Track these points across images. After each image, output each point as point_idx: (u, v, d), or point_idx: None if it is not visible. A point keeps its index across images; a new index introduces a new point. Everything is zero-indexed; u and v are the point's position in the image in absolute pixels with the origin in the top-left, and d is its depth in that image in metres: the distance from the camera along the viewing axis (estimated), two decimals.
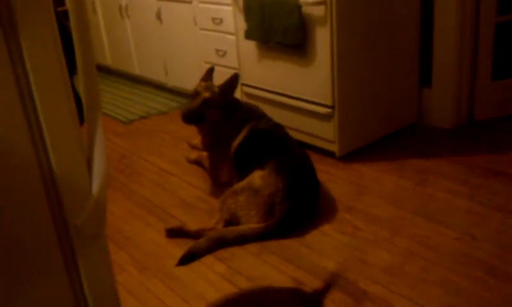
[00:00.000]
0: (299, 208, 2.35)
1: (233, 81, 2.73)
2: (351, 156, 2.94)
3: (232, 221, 2.37)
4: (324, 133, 2.92)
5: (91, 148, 0.82)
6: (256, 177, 2.40)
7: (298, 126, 3.05)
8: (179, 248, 2.26)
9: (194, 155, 3.09)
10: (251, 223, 2.32)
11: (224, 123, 2.69)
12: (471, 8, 2.98)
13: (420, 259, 2.07)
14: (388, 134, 3.14)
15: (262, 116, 2.76)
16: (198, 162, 3.04)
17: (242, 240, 2.27)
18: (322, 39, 2.71)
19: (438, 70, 3.12)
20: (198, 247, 2.23)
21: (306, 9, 2.72)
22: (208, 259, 2.20)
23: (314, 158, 2.72)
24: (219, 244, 2.26)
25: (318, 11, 2.68)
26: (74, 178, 0.79)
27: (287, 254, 2.18)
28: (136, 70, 4.60)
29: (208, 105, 2.65)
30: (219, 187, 2.74)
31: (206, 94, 2.65)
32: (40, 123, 0.75)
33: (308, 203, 2.42)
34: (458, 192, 2.49)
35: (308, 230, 2.33)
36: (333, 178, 2.74)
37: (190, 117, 2.64)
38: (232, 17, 3.25)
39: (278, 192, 2.32)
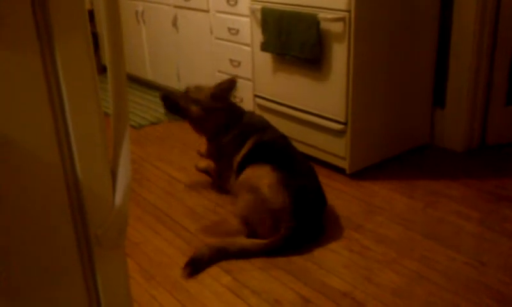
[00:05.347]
0: (305, 226, 2.33)
1: (228, 85, 2.72)
2: (362, 173, 2.92)
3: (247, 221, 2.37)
4: (335, 150, 2.91)
5: (116, 158, 0.81)
6: (265, 184, 2.36)
7: (309, 141, 3.04)
8: (186, 258, 2.25)
9: (203, 163, 3.08)
10: (259, 229, 2.31)
11: (224, 133, 2.70)
12: (488, 33, 2.98)
13: (428, 282, 2.05)
14: (400, 153, 3.13)
15: (267, 127, 2.72)
16: (206, 171, 3.03)
17: (245, 254, 2.26)
18: (339, 56, 2.71)
19: (452, 92, 3.11)
20: (200, 254, 2.22)
21: (324, 25, 2.72)
22: (214, 270, 2.19)
23: (324, 174, 2.71)
24: (222, 255, 2.24)
25: (336, 27, 2.68)
26: (98, 187, 0.79)
27: (294, 270, 2.17)
28: (149, 75, 4.61)
29: (190, 100, 2.72)
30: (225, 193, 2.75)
31: (191, 91, 2.76)
32: (68, 130, 0.74)
33: (314, 220, 2.39)
34: (468, 216, 2.48)
35: (315, 247, 2.31)
36: (343, 195, 2.72)
37: (166, 99, 2.78)
38: (249, 28, 3.26)
39: (285, 209, 2.29)
